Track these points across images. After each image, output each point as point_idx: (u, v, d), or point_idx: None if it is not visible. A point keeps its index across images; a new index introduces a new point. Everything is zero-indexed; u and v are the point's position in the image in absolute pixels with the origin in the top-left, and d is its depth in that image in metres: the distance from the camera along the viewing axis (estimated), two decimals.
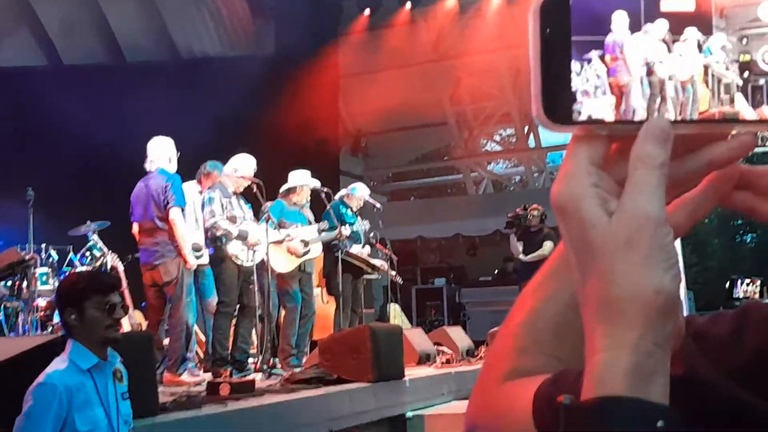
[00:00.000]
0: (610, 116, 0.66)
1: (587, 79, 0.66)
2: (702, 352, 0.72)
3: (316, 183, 8.60)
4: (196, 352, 7.80)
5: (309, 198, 8.62)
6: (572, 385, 0.66)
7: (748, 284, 14.28)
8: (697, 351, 0.72)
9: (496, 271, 15.83)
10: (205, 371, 7.56)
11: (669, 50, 0.67)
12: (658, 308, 0.61)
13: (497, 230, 15.04)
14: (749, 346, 0.71)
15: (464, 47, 16.00)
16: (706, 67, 0.68)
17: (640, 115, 0.66)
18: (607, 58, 0.66)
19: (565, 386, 0.69)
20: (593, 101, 0.66)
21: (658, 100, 0.67)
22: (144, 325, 8.37)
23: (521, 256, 11.38)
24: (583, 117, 0.65)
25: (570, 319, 0.73)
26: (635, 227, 0.62)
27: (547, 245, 11.13)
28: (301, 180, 8.47)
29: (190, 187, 7.77)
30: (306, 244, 8.30)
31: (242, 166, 7.80)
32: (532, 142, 18.84)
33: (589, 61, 0.66)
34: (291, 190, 8.43)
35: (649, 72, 0.67)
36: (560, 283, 0.80)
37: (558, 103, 0.65)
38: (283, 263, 8.15)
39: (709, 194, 0.69)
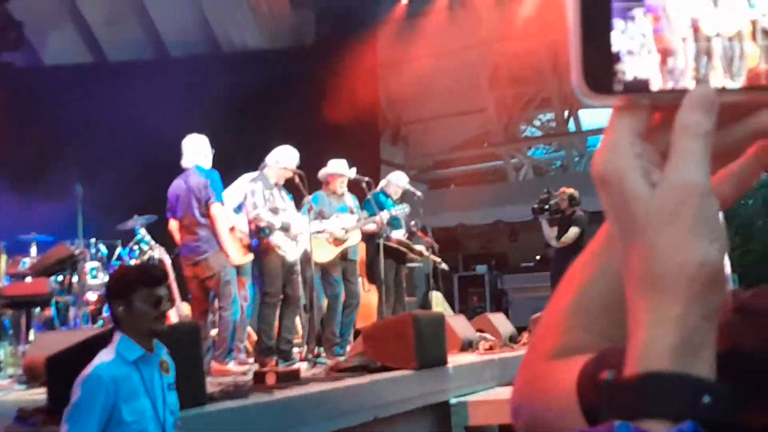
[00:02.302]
0: (656, 76, 0.64)
1: (632, 38, 0.63)
2: (747, 327, 0.69)
3: (351, 171, 8.64)
4: (245, 344, 7.92)
5: (346, 187, 8.67)
6: (617, 362, 0.64)
7: None
8: (741, 325, 0.69)
9: (538, 257, 15.73)
10: (253, 361, 7.68)
11: (715, 5, 0.65)
12: (704, 281, 0.60)
13: None
14: None
15: (502, 32, 15.86)
16: (753, 23, 0.65)
17: (688, 75, 0.64)
18: (652, 16, 0.64)
19: (610, 363, 0.67)
20: (638, 61, 0.63)
21: (705, 58, 0.64)
22: (190, 316, 8.51)
23: (553, 242, 11.29)
24: (627, 77, 0.63)
25: (618, 296, 0.70)
26: (680, 198, 0.60)
27: (573, 230, 11.02)
28: (336, 168, 8.54)
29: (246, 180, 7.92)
30: (345, 231, 8.38)
31: (284, 158, 7.86)
32: (572, 127, 18.65)
33: (633, 18, 0.64)
34: (327, 179, 8.52)
35: (695, 29, 0.64)
36: (607, 260, 0.79)
37: (598, 70, 0.63)
38: (323, 253, 8.23)
39: (755, 164, 0.67)
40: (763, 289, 0.74)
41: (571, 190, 11.35)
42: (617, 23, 0.63)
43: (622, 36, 0.63)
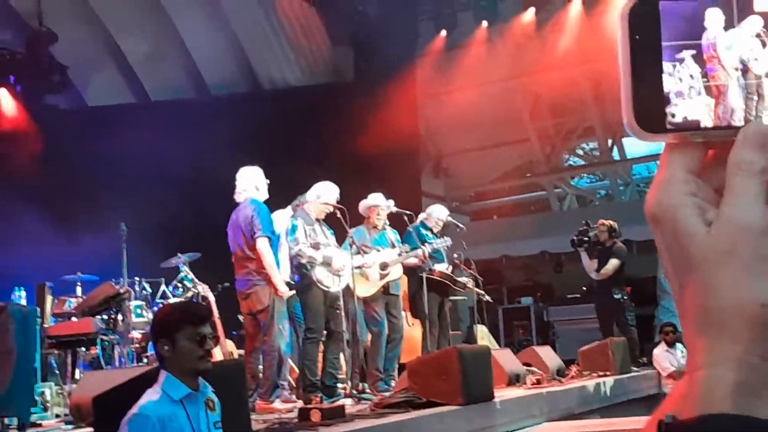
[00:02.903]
0: (706, 117, 0.64)
1: (681, 80, 0.64)
2: None
3: (390, 203, 8.62)
4: (289, 380, 7.87)
5: (387, 221, 8.65)
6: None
7: None
8: None
9: (584, 288, 15.52)
10: (297, 398, 7.62)
11: (764, 46, 0.65)
12: (765, 321, 0.58)
13: None
14: None
15: (542, 62, 15.86)
16: None
17: (738, 115, 0.64)
18: (701, 57, 0.64)
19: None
20: (688, 103, 0.64)
21: (756, 98, 0.64)
22: (236, 353, 8.50)
23: (593, 274, 11.18)
24: (677, 119, 0.63)
25: None
26: (736, 237, 0.59)
27: (612, 262, 10.93)
28: (374, 201, 8.53)
29: (284, 215, 7.92)
30: (384, 266, 8.33)
31: (325, 193, 7.86)
32: (616, 155, 18.48)
33: (682, 61, 0.64)
34: (367, 213, 8.51)
35: (745, 70, 0.64)
36: None
37: (650, 111, 0.63)
38: (365, 287, 8.18)
39: None
40: None
41: (610, 222, 11.28)
42: (666, 65, 0.64)
43: (672, 77, 0.64)
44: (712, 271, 0.60)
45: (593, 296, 11.76)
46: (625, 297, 11.32)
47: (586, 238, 11.18)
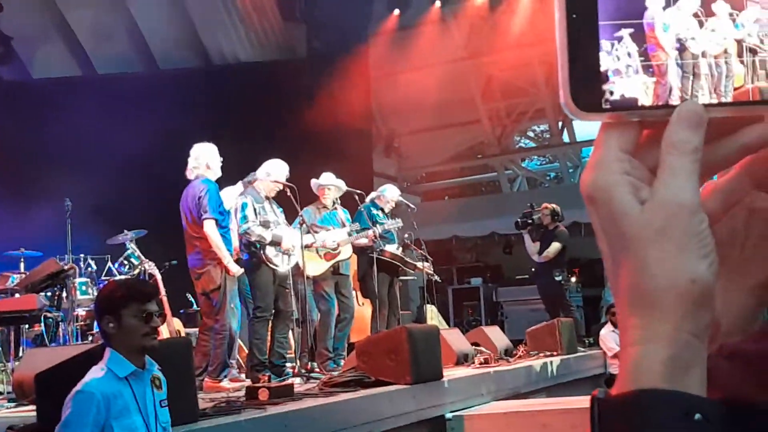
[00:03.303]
0: (643, 96, 0.64)
1: (618, 58, 0.64)
2: (743, 373, 0.68)
3: (342, 184, 8.61)
4: (238, 359, 7.84)
5: (338, 200, 8.64)
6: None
7: None
8: (736, 372, 0.67)
9: (533, 270, 15.69)
10: (245, 377, 7.59)
11: (701, 26, 0.65)
12: (695, 298, 0.60)
13: None
14: None
15: (495, 44, 15.91)
16: (739, 42, 0.65)
17: (675, 94, 0.64)
18: (641, 36, 0.64)
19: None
20: (625, 81, 0.64)
21: (692, 77, 0.65)
22: (183, 331, 8.43)
23: (535, 257, 11.37)
24: (615, 97, 0.63)
25: None
26: (669, 215, 0.60)
27: (554, 245, 11.12)
28: (326, 181, 8.51)
29: (234, 192, 7.84)
30: (337, 244, 8.33)
31: (275, 171, 7.81)
32: (566, 137, 18.67)
33: (620, 39, 0.64)
34: (318, 192, 8.50)
35: (682, 49, 0.65)
36: None
37: (586, 90, 0.63)
38: (314, 266, 8.17)
39: (744, 179, 0.67)
40: (756, 332, 0.73)
41: (553, 206, 11.45)
42: (604, 44, 0.64)
43: (610, 56, 0.64)
44: (646, 248, 0.60)
45: (536, 278, 11.95)
46: (566, 279, 11.52)
47: (529, 221, 11.37)
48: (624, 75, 0.64)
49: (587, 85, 0.63)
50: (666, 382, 0.59)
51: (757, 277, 0.70)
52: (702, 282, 0.60)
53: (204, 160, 7.25)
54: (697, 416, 0.58)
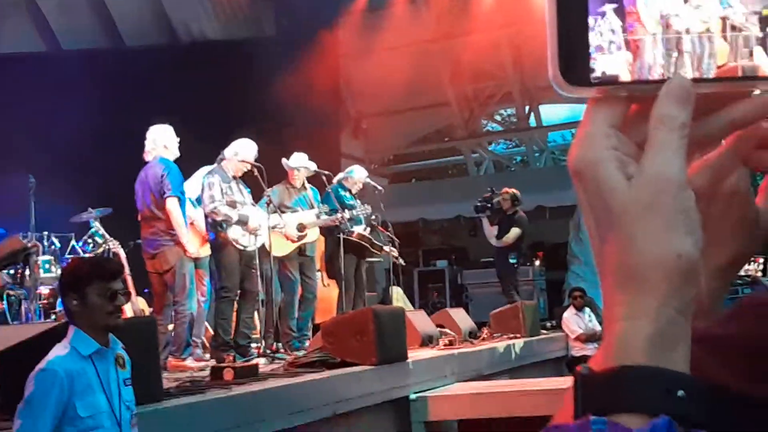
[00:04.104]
0: (625, 73, 0.64)
1: (601, 34, 0.64)
2: (713, 356, 0.67)
3: (311, 165, 8.59)
4: (202, 339, 7.82)
5: (306, 181, 8.63)
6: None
7: (750, 262, 14.10)
8: (706, 356, 0.67)
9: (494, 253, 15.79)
10: (210, 357, 7.58)
11: (685, 2, 0.65)
12: (681, 273, 0.59)
13: None
14: (742, 341, 0.68)
15: (464, 26, 15.87)
16: (724, 20, 0.65)
17: (657, 71, 0.64)
18: (623, 12, 0.64)
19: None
20: (607, 57, 0.64)
21: (675, 54, 0.64)
22: (148, 311, 8.39)
23: (493, 240, 11.43)
24: (597, 74, 0.63)
25: None
26: (656, 190, 0.60)
27: (513, 231, 11.18)
28: (295, 162, 8.48)
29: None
30: (302, 228, 8.31)
31: (242, 150, 7.77)
32: (533, 122, 18.76)
33: (603, 15, 0.64)
34: (287, 173, 8.47)
35: (666, 25, 0.65)
36: None
37: (575, 64, 0.63)
38: (280, 247, 8.16)
39: (731, 155, 0.67)
40: (723, 315, 0.73)
41: (513, 191, 11.50)
42: (589, 19, 0.63)
43: (593, 32, 0.63)
44: (633, 224, 0.60)
45: (495, 262, 12.03)
46: (521, 262, 11.61)
47: (489, 205, 11.41)
48: (606, 51, 0.64)
49: (575, 59, 0.63)
50: (650, 358, 0.58)
51: (719, 259, 0.72)
52: (688, 258, 0.60)
53: (161, 141, 7.24)
54: (680, 393, 0.58)
